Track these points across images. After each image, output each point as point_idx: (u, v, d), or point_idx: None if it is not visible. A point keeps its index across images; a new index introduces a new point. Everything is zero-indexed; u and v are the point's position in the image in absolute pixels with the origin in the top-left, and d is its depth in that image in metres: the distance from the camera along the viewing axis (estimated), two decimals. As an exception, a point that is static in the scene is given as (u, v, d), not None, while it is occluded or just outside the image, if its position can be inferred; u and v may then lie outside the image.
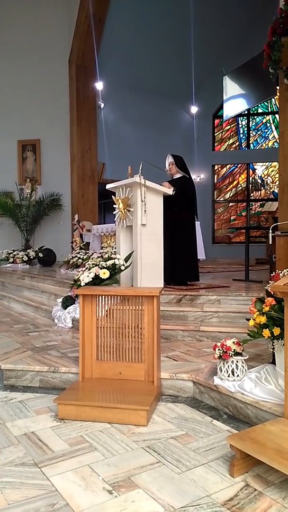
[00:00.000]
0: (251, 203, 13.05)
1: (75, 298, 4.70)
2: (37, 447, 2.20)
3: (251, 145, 13.08)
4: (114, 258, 4.30)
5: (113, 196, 4.62)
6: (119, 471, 1.96)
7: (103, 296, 2.97)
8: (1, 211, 10.14)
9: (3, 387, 3.14)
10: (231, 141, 13.30)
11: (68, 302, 4.80)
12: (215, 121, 13.29)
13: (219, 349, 2.63)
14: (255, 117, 13.02)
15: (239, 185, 13.17)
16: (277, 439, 1.94)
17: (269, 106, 12.74)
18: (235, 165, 13.18)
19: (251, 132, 13.07)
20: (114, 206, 4.57)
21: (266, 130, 12.91)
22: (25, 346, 3.83)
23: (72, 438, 2.30)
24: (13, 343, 3.94)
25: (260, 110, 12.91)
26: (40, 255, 9.51)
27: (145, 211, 4.23)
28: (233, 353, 2.60)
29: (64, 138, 10.90)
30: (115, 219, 4.69)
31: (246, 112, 12.40)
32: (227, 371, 2.62)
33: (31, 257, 9.56)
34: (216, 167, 13.31)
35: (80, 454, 2.12)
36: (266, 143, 12.90)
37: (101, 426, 2.44)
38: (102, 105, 11.39)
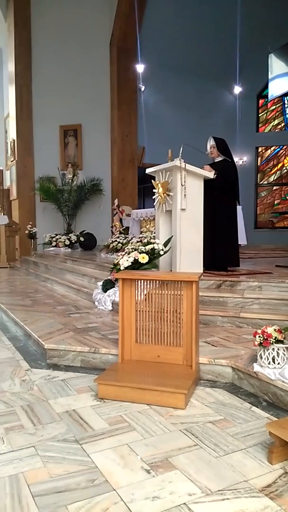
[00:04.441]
0: (296, 186, 12.57)
1: (115, 282, 4.76)
2: (78, 425, 2.28)
3: (298, 125, 12.53)
4: (153, 243, 4.30)
5: (152, 181, 4.59)
6: (157, 452, 1.99)
7: (142, 280, 2.99)
8: (44, 196, 10.40)
9: (47, 365, 3.27)
10: (276, 121, 12.79)
11: (108, 285, 4.87)
12: (260, 101, 12.80)
13: (259, 336, 2.59)
14: (302, 95, 12.41)
15: (284, 168, 12.68)
16: None
17: None
18: (280, 147, 12.69)
19: (297, 112, 12.50)
20: (154, 190, 4.55)
21: (314, 110, 12.30)
22: (67, 327, 3.94)
23: (112, 417, 2.36)
24: (56, 324, 4.07)
25: (307, 88, 12.27)
26: (81, 239, 9.70)
27: (185, 195, 4.18)
28: (274, 340, 2.55)
29: (105, 123, 10.93)
30: (154, 204, 4.68)
31: (292, 91, 11.83)
32: (268, 359, 2.57)
33: (73, 241, 9.77)
34: (260, 149, 12.88)
35: (119, 433, 2.18)
36: (314, 123, 12.30)
37: (140, 407, 2.48)
38: (142, 88, 11.28)
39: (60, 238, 9.84)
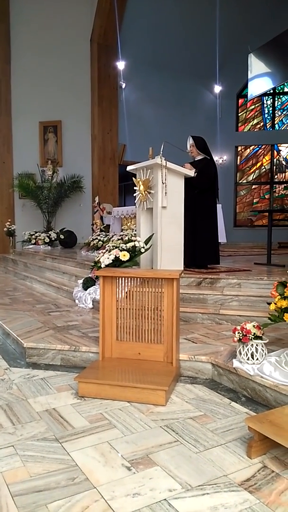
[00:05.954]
0: (275, 185, 12.77)
1: (96, 280, 4.74)
2: (58, 423, 2.26)
3: (276, 125, 12.71)
4: (134, 241, 4.30)
5: (133, 178, 4.59)
6: (138, 449, 2.00)
7: (123, 278, 2.98)
8: (23, 193, 10.27)
9: (26, 364, 3.23)
10: (255, 121, 12.95)
11: (88, 283, 4.85)
12: (239, 100, 12.94)
13: (238, 332, 2.62)
14: (281, 96, 12.61)
15: (263, 167, 12.87)
16: (296, 423, 1.93)
17: (295, 84, 12.30)
18: (259, 146, 12.87)
19: (276, 112, 12.68)
20: (135, 188, 4.55)
21: (292, 110, 12.50)
22: (47, 325, 3.91)
23: (92, 415, 2.35)
24: (35, 322, 4.02)
25: (286, 89, 12.48)
26: (61, 236, 9.60)
27: (166, 193, 4.19)
28: (253, 336, 2.59)
29: (85, 119, 10.85)
30: (135, 202, 4.67)
31: (271, 91, 12.01)
32: (247, 354, 2.61)
33: (53, 239, 9.67)
34: (239, 148, 13.02)
35: (100, 431, 2.17)
36: (292, 123, 12.51)
37: (121, 405, 2.48)
38: (123, 85, 11.23)
39: (39, 235, 9.73)
